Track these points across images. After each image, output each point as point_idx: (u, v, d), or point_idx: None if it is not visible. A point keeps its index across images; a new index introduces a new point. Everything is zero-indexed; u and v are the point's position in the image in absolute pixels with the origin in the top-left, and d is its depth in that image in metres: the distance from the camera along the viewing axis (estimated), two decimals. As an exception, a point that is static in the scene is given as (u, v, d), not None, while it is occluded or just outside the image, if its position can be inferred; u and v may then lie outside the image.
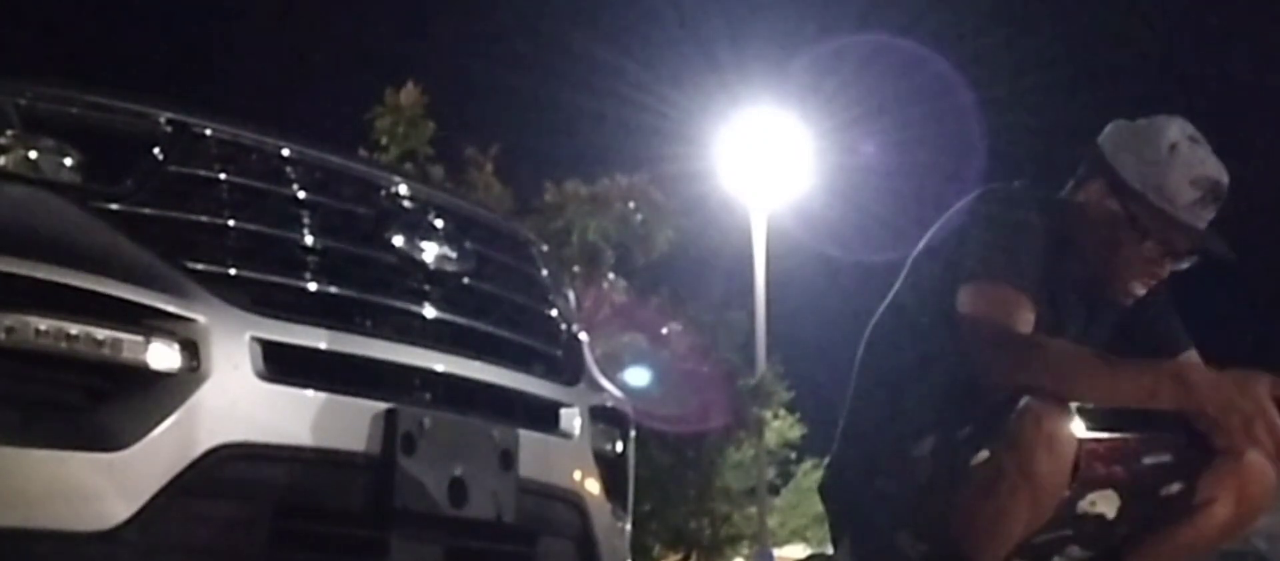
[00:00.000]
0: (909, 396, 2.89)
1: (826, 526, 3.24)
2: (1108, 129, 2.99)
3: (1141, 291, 2.97)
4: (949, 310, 2.80)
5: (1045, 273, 2.87)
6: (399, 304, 2.42)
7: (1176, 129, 2.92)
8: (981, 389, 2.75)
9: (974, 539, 2.75)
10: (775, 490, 23.55)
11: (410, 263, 2.46)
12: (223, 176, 2.28)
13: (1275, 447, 2.61)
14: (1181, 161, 2.88)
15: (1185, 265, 2.97)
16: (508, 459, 2.44)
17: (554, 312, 2.83)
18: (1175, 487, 2.89)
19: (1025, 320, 2.77)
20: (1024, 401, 2.64)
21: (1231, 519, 2.94)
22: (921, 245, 3.01)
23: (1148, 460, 2.84)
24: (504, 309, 2.64)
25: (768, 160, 21.46)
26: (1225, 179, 2.91)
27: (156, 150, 2.23)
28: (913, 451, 2.85)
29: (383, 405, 2.27)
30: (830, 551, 3.27)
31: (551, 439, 2.63)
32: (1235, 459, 2.87)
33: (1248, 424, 2.59)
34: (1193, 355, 3.06)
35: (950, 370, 2.82)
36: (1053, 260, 2.91)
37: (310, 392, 2.21)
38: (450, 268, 2.52)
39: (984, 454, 2.71)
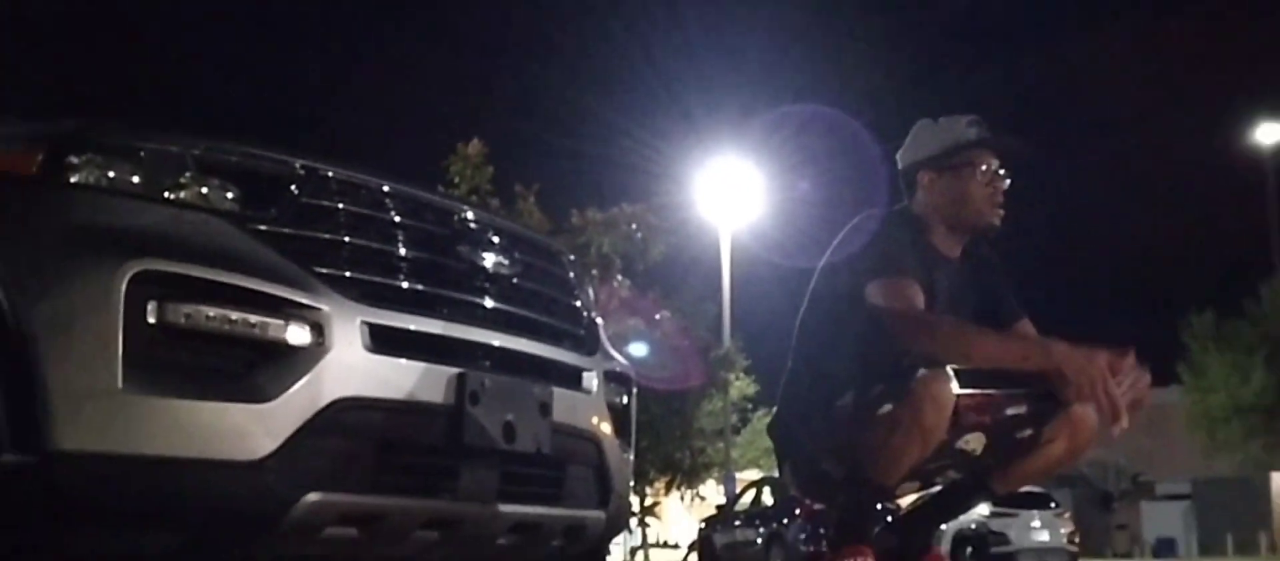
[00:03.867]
0: (832, 365, 2.89)
1: (770, 457, 3.25)
2: (897, 157, 3.09)
3: (1000, 217, 2.99)
4: (861, 302, 2.81)
5: (921, 265, 2.89)
6: (467, 297, 2.41)
7: (924, 119, 3.06)
8: (895, 355, 2.75)
9: (878, 467, 2.76)
10: (737, 431, 23.63)
11: (475, 267, 2.46)
12: (340, 206, 2.27)
13: (1110, 405, 2.63)
14: (945, 122, 3.02)
15: (1009, 180, 3.00)
16: (545, 408, 2.44)
17: (578, 303, 2.82)
18: (1027, 432, 2.89)
19: (920, 301, 2.80)
20: (919, 373, 2.66)
21: (1065, 454, 2.95)
22: (827, 257, 3.02)
23: (1008, 411, 2.84)
24: (542, 301, 2.64)
25: (731, 194, 21.56)
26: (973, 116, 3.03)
27: (293, 187, 2.23)
28: (836, 403, 2.85)
29: (455, 370, 2.27)
30: (777, 474, 3.27)
31: (576, 394, 2.61)
32: (1071, 411, 2.88)
33: (1092, 386, 2.63)
34: (1026, 323, 3.07)
35: (862, 346, 2.82)
36: (924, 255, 2.93)
37: (403, 361, 2.21)
38: (504, 271, 2.52)
39: (887, 407, 2.71)
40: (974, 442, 2.86)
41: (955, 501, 3.15)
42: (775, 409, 3.20)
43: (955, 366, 2.71)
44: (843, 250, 2.96)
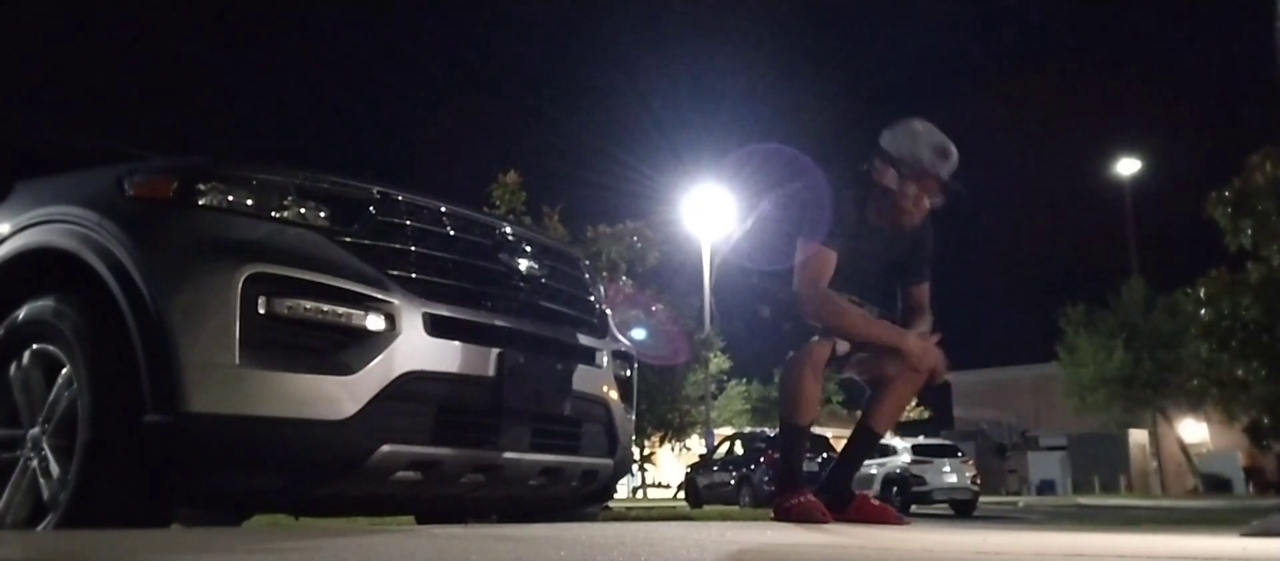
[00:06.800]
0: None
1: (742, 416, 3.31)
2: (883, 133, 2.94)
3: (918, 220, 2.92)
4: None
5: (854, 222, 2.86)
6: (505, 293, 2.41)
7: (919, 122, 2.92)
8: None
9: (793, 409, 2.87)
10: (715, 396, 23.55)
11: (512, 271, 2.46)
12: (407, 222, 2.27)
13: (929, 369, 2.86)
14: (923, 138, 2.88)
15: (940, 201, 2.91)
16: (567, 379, 2.44)
17: (592, 298, 2.82)
18: (883, 365, 2.97)
19: (828, 273, 2.80)
20: (812, 338, 2.80)
21: (910, 391, 3.01)
22: (786, 190, 2.99)
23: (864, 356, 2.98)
24: (564, 296, 2.63)
25: (711, 213, 21.56)
26: (952, 145, 2.89)
27: (371, 207, 2.22)
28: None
29: (497, 349, 2.27)
30: (745, 430, 3.30)
31: (591, 368, 2.62)
32: (905, 361, 2.92)
33: (921, 354, 2.84)
34: (924, 288, 3.04)
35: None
36: (859, 214, 2.90)
37: (456, 343, 2.21)
38: (534, 273, 2.52)
39: (790, 354, 2.84)
40: (841, 347, 2.91)
41: (858, 450, 3.14)
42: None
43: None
44: (797, 194, 2.90)
